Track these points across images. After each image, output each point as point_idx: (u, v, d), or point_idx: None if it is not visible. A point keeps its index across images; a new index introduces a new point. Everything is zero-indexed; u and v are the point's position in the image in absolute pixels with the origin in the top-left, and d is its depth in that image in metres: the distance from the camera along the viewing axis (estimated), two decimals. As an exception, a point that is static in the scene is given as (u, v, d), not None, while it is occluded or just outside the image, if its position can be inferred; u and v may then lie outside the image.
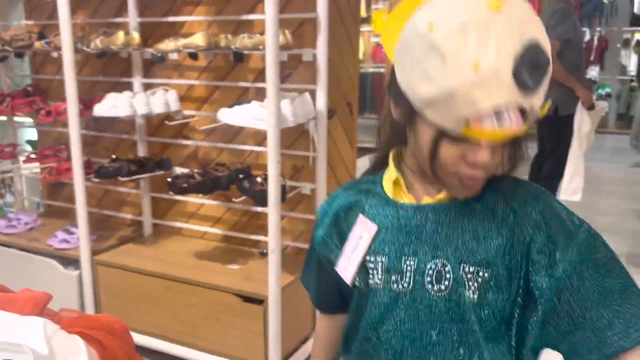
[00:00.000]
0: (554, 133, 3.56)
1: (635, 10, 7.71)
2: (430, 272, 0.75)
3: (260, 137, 2.31)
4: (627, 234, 3.85)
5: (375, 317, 0.79)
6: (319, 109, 2.14)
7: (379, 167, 0.87)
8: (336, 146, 2.49)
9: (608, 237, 0.75)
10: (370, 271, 0.79)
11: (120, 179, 2.33)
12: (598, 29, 7.77)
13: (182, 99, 2.47)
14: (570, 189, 3.45)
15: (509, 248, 0.73)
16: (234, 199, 2.16)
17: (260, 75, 2.27)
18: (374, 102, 7.13)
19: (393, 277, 0.77)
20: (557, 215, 0.74)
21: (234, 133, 2.40)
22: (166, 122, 2.40)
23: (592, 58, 7.58)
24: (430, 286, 0.74)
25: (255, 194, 2.01)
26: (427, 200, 0.78)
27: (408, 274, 0.76)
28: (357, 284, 0.81)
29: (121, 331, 0.66)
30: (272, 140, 1.86)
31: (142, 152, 2.57)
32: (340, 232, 0.85)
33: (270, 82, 1.84)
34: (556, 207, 0.75)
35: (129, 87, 2.49)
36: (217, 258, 2.38)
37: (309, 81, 2.19)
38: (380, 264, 0.78)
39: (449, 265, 0.74)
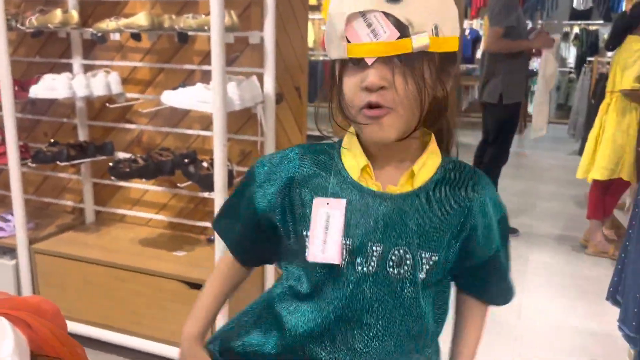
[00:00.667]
0: (497, 121, 3.66)
1: (574, 4, 8.03)
2: (393, 257, 0.79)
3: (206, 122, 2.27)
4: (565, 217, 4.03)
5: (339, 294, 0.80)
6: (266, 92, 2.11)
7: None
8: (285, 131, 2.47)
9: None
10: None
11: (60, 164, 2.24)
12: (540, 21, 8.04)
13: (125, 81, 2.39)
14: (537, 127, 3.63)
15: (457, 234, 0.82)
16: (179, 185, 2.11)
17: (207, 57, 2.22)
18: (324, 90, 7.13)
19: (358, 260, 0.79)
20: (494, 204, 0.86)
21: (179, 117, 2.34)
22: (108, 105, 2.32)
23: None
24: (391, 270, 0.79)
25: (201, 179, 1.98)
26: (391, 189, 0.80)
27: (374, 258, 0.79)
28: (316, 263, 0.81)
29: (51, 312, 0.64)
30: (218, 123, 1.83)
31: (82, 136, 2.47)
32: (291, 200, 0.84)
33: (216, 63, 1.80)
34: (493, 197, 0.86)
35: (68, 68, 2.39)
36: (163, 245, 2.33)
37: (257, 64, 2.16)
38: (345, 245, 0.79)
39: (409, 253, 0.79)
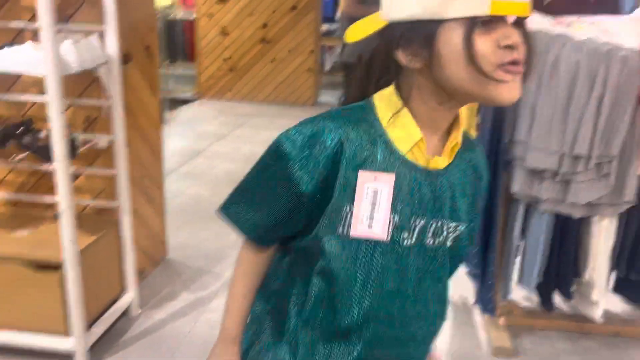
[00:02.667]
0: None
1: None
2: (431, 229, 0.82)
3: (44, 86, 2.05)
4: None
5: (379, 268, 0.81)
6: (109, 53, 1.95)
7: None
8: (135, 94, 2.32)
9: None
10: None
11: None
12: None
13: (-62, 41, 2.07)
14: None
15: (473, 203, 0.88)
16: (14, 158, 1.90)
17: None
18: (186, 50, 6.81)
19: (404, 234, 0.81)
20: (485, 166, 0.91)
21: (10, 82, 2.09)
22: None
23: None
24: (428, 241, 0.83)
25: (38, 150, 1.80)
26: (436, 163, 0.81)
27: (416, 231, 0.81)
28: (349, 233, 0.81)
29: None
30: (53, 87, 1.66)
31: None
32: (335, 175, 0.78)
33: (45, 20, 1.61)
34: (484, 157, 0.92)
35: None
36: (2, 225, 2.10)
37: (97, 22, 1.98)
38: (392, 221, 0.80)
39: (445, 224, 0.83)
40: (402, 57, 0.76)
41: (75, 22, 2.04)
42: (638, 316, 2.31)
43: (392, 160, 0.79)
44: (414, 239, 0.82)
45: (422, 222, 0.81)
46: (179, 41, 6.84)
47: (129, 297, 2.21)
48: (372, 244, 0.80)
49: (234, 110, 6.18)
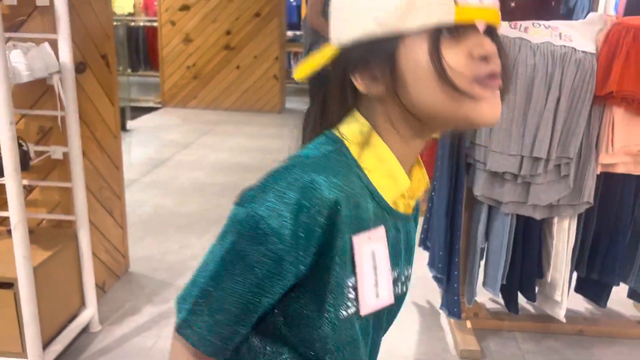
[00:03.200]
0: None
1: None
2: (402, 278, 0.75)
3: (-7, 96, 1.97)
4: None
5: (359, 334, 0.70)
6: (63, 61, 1.89)
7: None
8: (92, 103, 2.25)
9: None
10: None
11: None
12: None
13: None
14: None
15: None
16: (-38, 171, 1.81)
17: (-15, 21, 1.91)
18: (149, 58, 6.72)
19: None
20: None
21: (-43, 92, 2.00)
22: None
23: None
24: (397, 290, 0.74)
25: (-12, 163, 1.72)
26: (408, 209, 0.73)
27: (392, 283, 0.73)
28: (349, 311, 0.67)
29: None
30: (1, 97, 1.59)
31: None
32: (330, 250, 0.64)
33: (-8, 28, 1.55)
34: None
35: None
36: (-48, 242, 2.01)
37: (50, 30, 1.92)
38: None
39: (409, 270, 0.77)
40: (360, 83, 0.65)
41: (27, 31, 1.97)
42: (600, 315, 2.35)
43: (380, 212, 0.68)
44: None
45: (397, 271, 0.73)
46: (141, 49, 6.74)
47: (89, 312, 2.14)
48: (372, 316, 0.70)
49: (199, 118, 6.11)
